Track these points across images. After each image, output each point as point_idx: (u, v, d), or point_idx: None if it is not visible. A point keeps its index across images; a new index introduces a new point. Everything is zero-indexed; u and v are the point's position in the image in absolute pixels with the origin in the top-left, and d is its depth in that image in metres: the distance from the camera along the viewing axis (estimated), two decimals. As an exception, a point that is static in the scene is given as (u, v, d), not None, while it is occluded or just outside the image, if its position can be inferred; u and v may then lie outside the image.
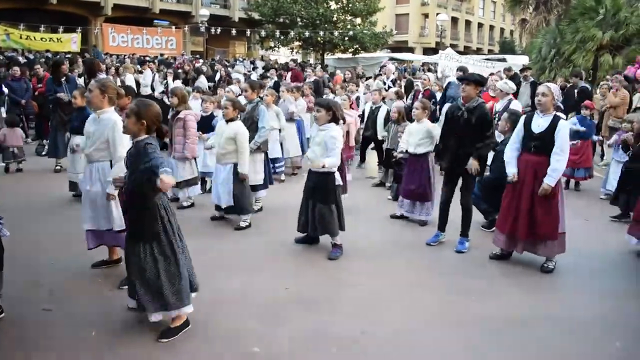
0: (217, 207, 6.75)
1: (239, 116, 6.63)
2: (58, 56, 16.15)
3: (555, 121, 5.13)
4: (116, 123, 4.57)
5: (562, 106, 11.04)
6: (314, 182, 5.67)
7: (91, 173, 4.79)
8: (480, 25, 57.03)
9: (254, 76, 17.82)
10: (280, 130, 8.89)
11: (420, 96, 10.15)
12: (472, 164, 5.62)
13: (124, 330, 3.99)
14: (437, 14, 38.34)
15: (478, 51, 50.15)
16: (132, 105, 3.87)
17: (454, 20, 51.26)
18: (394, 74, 17.24)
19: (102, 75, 9.71)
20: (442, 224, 6.12)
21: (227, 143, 6.39)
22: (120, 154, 4.46)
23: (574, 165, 8.39)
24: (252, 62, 28.00)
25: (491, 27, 58.68)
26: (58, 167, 9.43)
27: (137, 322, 4.05)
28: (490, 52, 48.77)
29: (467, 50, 46.85)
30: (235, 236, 6.30)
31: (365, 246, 6.00)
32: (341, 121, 5.69)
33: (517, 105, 7.46)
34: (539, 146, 5.18)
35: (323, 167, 5.39)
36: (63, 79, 9.31)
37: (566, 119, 9.86)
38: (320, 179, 5.61)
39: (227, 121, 6.46)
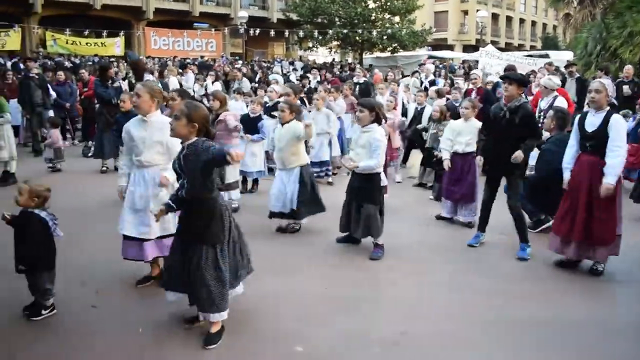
0: (274, 214, 6.44)
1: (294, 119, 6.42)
2: (103, 60, 16.55)
3: (608, 117, 4.93)
4: (164, 131, 4.31)
5: (615, 102, 10.75)
6: (360, 183, 5.59)
7: (143, 178, 4.58)
8: (521, 21, 55.90)
9: (293, 77, 17.93)
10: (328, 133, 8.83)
11: (473, 95, 9.87)
12: (517, 155, 5.39)
13: (169, 328, 4.06)
14: (477, 11, 37.74)
15: (520, 47, 49.16)
16: (181, 107, 3.78)
17: (495, 17, 50.40)
18: (433, 73, 17.08)
19: (149, 76, 9.90)
20: (483, 225, 6.01)
21: (288, 146, 6.25)
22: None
23: (630, 166, 7.93)
24: (291, 63, 28.15)
25: (533, 23, 57.43)
26: (104, 168, 9.67)
27: (181, 322, 4.13)
28: (532, 48, 47.74)
29: (508, 47, 45.99)
30: (277, 236, 6.34)
31: (406, 246, 5.95)
32: (383, 121, 5.65)
33: (562, 102, 7.26)
34: (594, 145, 4.98)
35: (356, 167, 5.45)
36: (109, 82, 9.55)
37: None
38: (366, 179, 5.54)
39: (283, 124, 6.34)
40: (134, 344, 3.84)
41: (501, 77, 6.28)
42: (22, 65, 19.72)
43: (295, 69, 24.76)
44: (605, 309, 4.55)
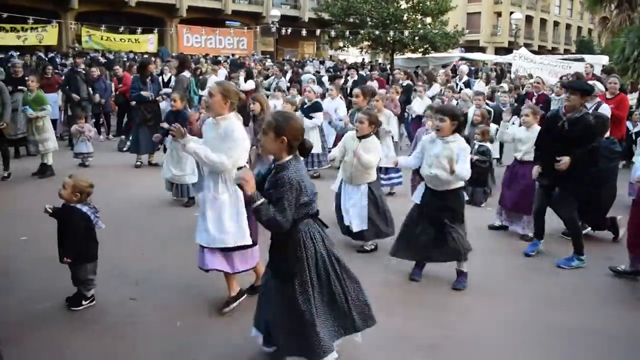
0: (344, 230, 5.86)
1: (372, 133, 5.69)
2: (144, 57, 16.80)
3: None
4: (235, 130, 4.07)
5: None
6: (442, 201, 4.82)
7: (216, 183, 4.17)
8: (556, 23, 55.02)
9: (324, 77, 17.88)
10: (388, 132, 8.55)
11: (533, 101, 9.60)
12: (564, 161, 5.12)
13: (207, 322, 4.09)
14: (511, 13, 37.28)
15: (553, 51, 48.43)
16: (269, 119, 3.23)
17: (528, 19, 49.69)
18: (467, 75, 16.88)
19: (186, 72, 9.95)
20: (539, 232, 5.79)
21: (359, 163, 5.54)
22: (222, 161, 3.99)
23: None
24: (322, 62, 28.16)
25: (568, 26, 56.49)
26: (138, 163, 9.78)
27: (223, 317, 4.16)
28: (566, 51, 46.97)
29: (541, 50, 45.35)
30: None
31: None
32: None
33: (606, 109, 7.08)
34: None
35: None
36: (148, 79, 9.65)
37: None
38: (451, 196, 4.83)
39: (360, 137, 5.62)
40: (172, 337, 3.87)
41: (563, 86, 6.02)
42: (58, 60, 20.18)
43: (328, 70, 24.70)
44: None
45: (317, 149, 8.85)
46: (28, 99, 8.98)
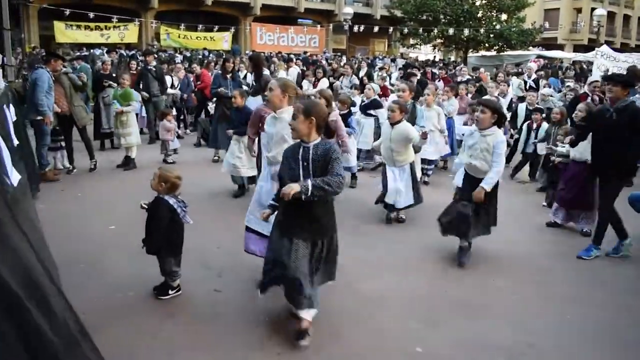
0: (390, 207, 6.61)
1: (403, 118, 6.48)
2: (226, 54, 17.25)
3: None
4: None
5: None
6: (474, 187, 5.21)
7: (271, 175, 4.60)
8: (640, 20, 52.23)
9: (395, 75, 17.70)
10: (441, 131, 8.68)
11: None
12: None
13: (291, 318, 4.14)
14: (593, 9, 35.69)
15: (637, 48, 45.92)
16: (297, 105, 3.75)
17: (610, 15, 47.32)
18: (536, 73, 16.34)
19: (267, 72, 10.14)
20: (597, 238, 5.69)
21: (399, 146, 6.39)
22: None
23: None
24: (393, 60, 27.94)
25: (653, 22, 53.49)
26: (216, 158, 10.02)
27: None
28: (651, 49, 44.52)
29: (624, 48, 43.11)
30: (389, 234, 6.31)
31: (522, 254, 5.73)
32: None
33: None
34: None
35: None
36: (229, 75, 9.87)
37: None
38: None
39: (393, 124, 6.39)
40: (256, 330, 3.94)
41: (604, 78, 6.11)
42: (139, 57, 20.98)
43: (400, 68, 24.48)
44: None
45: (368, 145, 8.97)
46: (117, 95, 9.45)
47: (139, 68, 12.10)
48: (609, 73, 16.20)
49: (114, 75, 11.24)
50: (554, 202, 6.98)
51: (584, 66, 25.24)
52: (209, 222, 6.29)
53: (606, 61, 19.37)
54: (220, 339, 3.82)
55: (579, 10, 47.33)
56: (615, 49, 26.41)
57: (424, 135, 6.30)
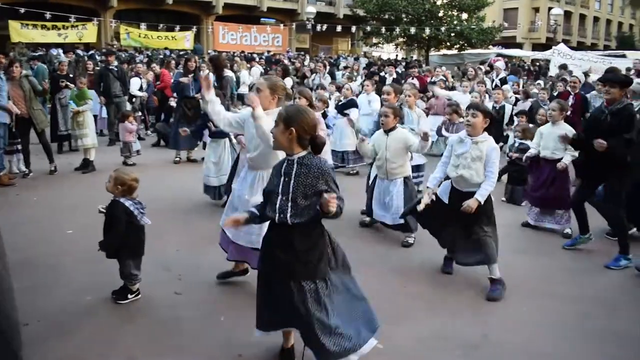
0: (371, 217, 6.20)
1: (397, 125, 5.88)
2: (183, 53, 17.05)
3: None
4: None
5: None
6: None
7: (253, 182, 4.31)
8: (596, 19, 53.62)
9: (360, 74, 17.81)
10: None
11: (570, 101, 9.39)
12: (600, 141, 5.02)
13: (253, 318, 4.10)
14: (550, 8, 36.52)
15: (593, 47, 47.22)
16: (281, 111, 3.22)
17: (567, 14, 48.52)
18: (504, 71, 16.66)
19: (228, 72, 10.06)
20: (582, 225, 5.74)
21: (396, 156, 5.73)
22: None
23: None
24: (356, 59, 28.08)
25: (608, 22, 55.01)
26: (177, 159, 9.92)
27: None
28: (606, 47, 45.80)
29: (580, 46, 44.28)
30: (348, 232, 6.33)
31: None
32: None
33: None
34: None
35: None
36: (191, 75, 9.75)
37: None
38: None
39: (387, 131, 5.79)
40: (217, 332, 3.92)
41: (600, 80, 5.97)
42: (98, 57, 20.59)
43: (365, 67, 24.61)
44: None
45: (351, 146, 8.86)
46: (73, 95, 9.30)
47: (97, 68, 11.89)
48: (567, 70, 16.66)
49: (71, 75, 11.00)
50: (524, 200, 7.01)
51: (542, 64, 25.87)
52: (170, 225, 6.22)
53: (563, 59, 19.91)
54: (181, 342, 3.78)
55: (536, 10, 48.41)
56: (572, 48, 27.17)
57: (426, 137, 5.38)
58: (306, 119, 3.10)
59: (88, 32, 26.25)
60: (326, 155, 7.39)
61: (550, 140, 6.24)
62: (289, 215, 3.06)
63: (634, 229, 6.24)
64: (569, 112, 7.02)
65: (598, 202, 5.70)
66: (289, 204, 3.06)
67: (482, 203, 4.59)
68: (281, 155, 3.39)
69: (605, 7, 54.56)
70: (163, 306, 4.31)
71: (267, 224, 3.36)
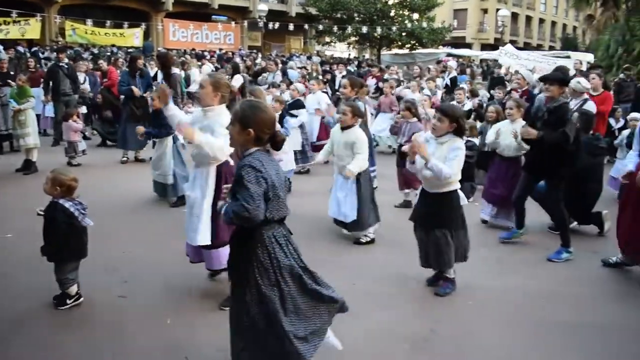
0: (338, 222, 6.00)
1: (357, 123, 5.85)
2: (132, 51, 16.66)
3: None
4: (222, 122, 3.95)
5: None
6: (428, 206, 4.61)
7: (195, 178, 4.36)
8: (541, 20, 55.37)
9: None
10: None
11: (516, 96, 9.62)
12: (530, 130, 5.31)
13: (198, 320, 4.05)
14: (498, 10, 37.47)
15: (538, 47, 48.67)
16: (237, 109, 3.04)
17: (514, 16, 49.89)
18: (455, 70, 16.94)
19: (176, 69, 9.88)
20: (519, 220, 5.92)
21: (346, 153, 5.72)
22: (212, 142, 4.04)
23: None
24: (309, 58, 28.12)
25: (553, 23, 56.88)
26: (124, 159, 9.69)
27: (213, 315, 4.12)
28: (551, 48, 47.26)
29: (526, 47, 45.56)
30: (303, 231, 6.31)
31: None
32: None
33: (591, 106, 7.13)
34: None
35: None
36: (137, 73, 9.52)
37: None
38: (438, 200, 4.54)
39: (343, 128, 5.79)
40: (162, 335, 3.83)
41: (541, 79, 6.15)
42: (42, 55, 19.94)
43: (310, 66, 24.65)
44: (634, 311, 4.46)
45: (297, 145, 8.83)
46: (13, 94, 8.94)
47: (39, 66, 11.50)
48: (513, 70, 17.11)
49: (11, 73, 10.59)
50: (471, 196, 7.12)
51: (490, 64, 26.47)
52: (116, 226, 6.07)
53: (510, 59, 20.42)
54: (123, 347, 3.68)
55: (485, 11, 49.61)
56: (519, 48, 27.89)
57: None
58: (264, 117, 2.96)
59: (31, 28, 25.35)
60: (287, 156, 7.47)
61: (507, 138, 6.28)
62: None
63: (575, 223, 6.45)
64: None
65: (540, 197, 5.91)
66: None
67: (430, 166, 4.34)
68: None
69: (551, 9, 56.40)
70: (106, 311, 4.18)
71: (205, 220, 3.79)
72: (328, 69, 17.49)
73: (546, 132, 5.27)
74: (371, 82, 13.92)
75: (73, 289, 4.21)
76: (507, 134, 6.23)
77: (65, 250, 4.13)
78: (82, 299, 4.25)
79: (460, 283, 4.80)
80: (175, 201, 7.09)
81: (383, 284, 4.84)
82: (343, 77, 13.67)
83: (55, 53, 14.76)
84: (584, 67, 15.60)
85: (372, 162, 7.20)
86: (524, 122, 6.18)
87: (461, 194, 4.59)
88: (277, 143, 3.01)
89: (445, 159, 4.38)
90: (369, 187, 5.97)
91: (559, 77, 5.50)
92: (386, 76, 14.42)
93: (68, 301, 4.18)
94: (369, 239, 5.89)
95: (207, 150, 4.04)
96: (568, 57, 22.90)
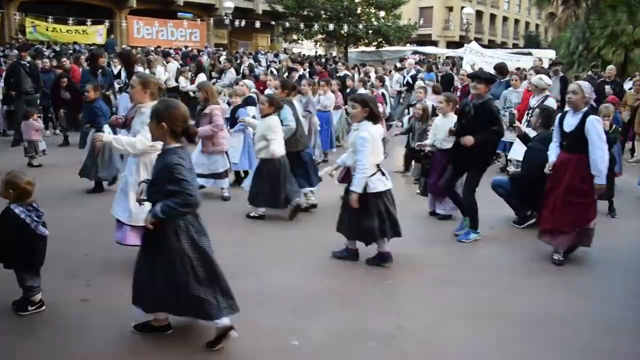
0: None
1: (275, 113, 6.55)
2: (93, 49, 16.33)
3: (584, 118, 5.09)
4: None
5: (594, 104, 10.84)
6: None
7: (138, 167, 4.71)
8: (505, 18, 56.26)
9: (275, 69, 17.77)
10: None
11: (458, 93, 9.92)
12: (467, 139, 5.64)
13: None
14: (462, 8, 37.93)
15: (502, 45, 49.50)
16: (154, 106, 3.53)
17: (479, 14, 50.61)
18: (414, 67, 17.12)
19: (139, 68, 9.73)
20: (461, 209, 6.24)
21: (259, 139, 6.49)
22: (136, 141, 4.57)
23: None
24: (276, 55, 28.01)
25: (516, 21, 57.85)
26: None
27: (176, 319, 4.06)
28: (515, 46, 48.10)
29: (491, 44, 46.22)
30: (265, 227, 6.32)
31: (397, 241, 5.94)
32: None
33: (552, 102, 7.32)
34: (569, 145, 5.23)
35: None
36: (99, 71, 9.35)
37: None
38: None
39: (263, 116, 6.54)
40: (124, 341, 3.77)
41: (469, 76, 6.54)
42: (0, 52, 19.42)
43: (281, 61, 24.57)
44: (596, 304, 4.59)
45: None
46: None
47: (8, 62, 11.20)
48: (477, 67, 17.36)
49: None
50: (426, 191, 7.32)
51: (456, 61, 26.80)
52: (78, 228, 5.96)
53: (474, 56, 20.70)
54: (85, 353, 3.61)
55: (450, 9, 50.16)
56: (483, 46, 28.28)
57: None
58: (175, 113, 3.39)
59: (-11, 25, 24.69)
60: (233, 151, 7.82)
61: (441, 131, 6.59)
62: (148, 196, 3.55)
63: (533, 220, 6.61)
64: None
65: (503, 193, 6.43)
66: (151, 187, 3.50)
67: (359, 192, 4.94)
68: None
69: (514, 7, 57.34)
70: (69, 315, 4.10)
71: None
72: (297, 67, 17.44)
73: (482, 135, 5.63)
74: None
75: (37, 297, 4.09)
76: (441, 128, 6.57)
77: (17, 258, 3.95)
78: (44, 308, 4.13)
79: (427, 280, 4.93)
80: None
81: (350, 282, 4.87)
82: (300, 77, 13.71)
83: (16, 51, 14.38)
84: (545, 64, 15.91)
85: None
86: (455, 117, 6.49)
87: (374, 180, 5.03)
88: (190, 136, 3.46)
89: (354, 145, 4.99)
90: (272, 175, 6.45)
91: (486, 76, 6.01)
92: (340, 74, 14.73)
93: (30, 308, 4.06)
94: (257, 215, 6.60)
95: (117, 146, 4.68)
96: (530, 54, 23.38)
